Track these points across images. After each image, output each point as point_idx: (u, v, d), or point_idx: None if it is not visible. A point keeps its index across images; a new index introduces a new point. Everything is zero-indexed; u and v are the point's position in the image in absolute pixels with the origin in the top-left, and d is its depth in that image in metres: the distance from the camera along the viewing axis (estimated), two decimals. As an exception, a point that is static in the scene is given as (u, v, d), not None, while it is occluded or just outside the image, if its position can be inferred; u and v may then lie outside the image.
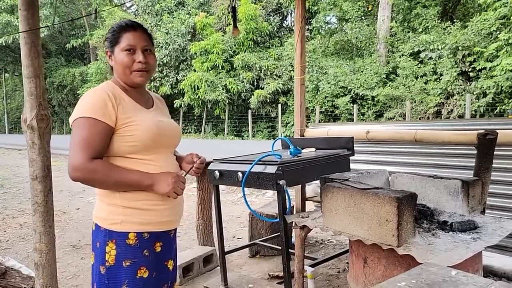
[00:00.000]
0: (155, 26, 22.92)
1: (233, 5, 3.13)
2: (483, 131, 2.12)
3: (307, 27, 21.67)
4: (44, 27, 12.01)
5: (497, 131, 2.11)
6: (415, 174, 2.29)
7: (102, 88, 1.59)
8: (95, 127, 1.49)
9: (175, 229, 1.80)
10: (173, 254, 1.79)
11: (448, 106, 13.59)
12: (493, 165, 2.32)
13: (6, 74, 38.65)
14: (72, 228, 5.28)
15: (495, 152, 2.25)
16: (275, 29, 21.26)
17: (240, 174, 2.50)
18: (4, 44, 27.83)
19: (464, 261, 1.61)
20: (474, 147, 2.20)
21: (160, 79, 21.86)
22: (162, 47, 21.21)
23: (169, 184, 1.54)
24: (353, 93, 15.86)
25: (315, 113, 16.40)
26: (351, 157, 2.97)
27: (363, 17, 18.27)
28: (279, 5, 20.94)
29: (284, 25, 22.19)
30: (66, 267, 3.89)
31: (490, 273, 2.79)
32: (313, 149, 3.06)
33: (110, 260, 1.57)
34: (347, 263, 3.17)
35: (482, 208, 2.07)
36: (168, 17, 22.15)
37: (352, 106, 15.59)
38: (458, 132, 2.53)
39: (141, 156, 1.59)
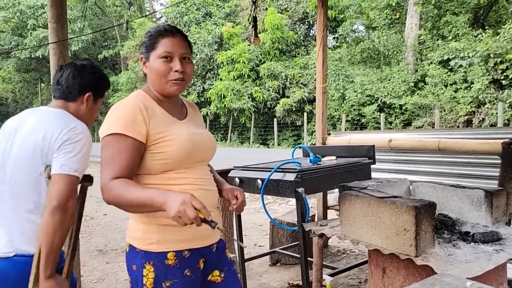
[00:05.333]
0: (183, 36, 23.43)
1: (254, 15, 3.18)
2: (507, 140, 2.06)
3: (333, 35, 21.61)
4: (72, 38, 12.49)
5: (523, 139, 2.04)
6: (437, 183, 2.24)
7: (133, 100, 1.47)
8: (123, 143, 1.37)
9: (219, 241, 1.63)
10: (220, 266, 1.62)
11: (480, 114, 13.19)
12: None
13: (42, 84, 40.29)
14: (99, 233, 5.42)
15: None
16: (301, 38, 21.29)
17: (259, 181, 2.52)
18: (40, 56, 29.06)
19: (487, 274, 1.56)
20: (498, 156, 2.13)
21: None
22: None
23: (176, 206, 1.21)
24: (380, 101, 15.64)
25: (341, 121, 16.25)
26: (373, 166, 2.93)
27: (390, 25, 18.04)
28: (305, 14, 20.98)
29: (310, 34, 22.18)
30: (92, 271, 3.99)
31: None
32: (334, 157, 3.04)
33: (149, 284, 1.43)
34: (369, 274, 3.12)
35: (508, 219, 2.00)
36: (195, 28, 22.60)
37: (379, 115, 15.37)
38: (482, 141, 2.46)
39: (174, 172, 1.46)
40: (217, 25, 22.36)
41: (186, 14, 23.69)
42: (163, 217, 1.40)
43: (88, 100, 1.86)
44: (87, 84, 1.86)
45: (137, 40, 28.39)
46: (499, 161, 2.17)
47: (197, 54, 21.50)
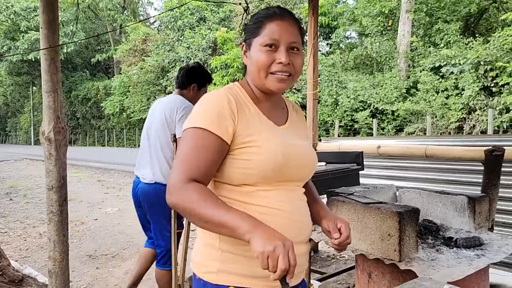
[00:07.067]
0: (177, 41, 23.50)
1: (246, 22, 3.21)
2: (490, 147, 2.10)
3: (327, 41, 21.77)
4: (62, 44, 12.47)
5: (505, 147, 2.09)
6: (424, 189, 2.28)
7: (224, 91, 1.22)
8: (204, 140, 1.13)
9: (300, 282, 1.32)
10: None
11: (470, 121, 13.34)
12: (506, 182, 2.30)
13: (34, 88, 40.09)
14: (89, 238, 5.39)
15: (508, 169, 2.23)
16: (295, 43, 21.45)
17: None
18: (33, 59, 28.97)
19: (468, 278, 1.60)
20: (482, 163, 2.18)
21: (172, 93, 22.41)
22: (183, 61, 21.70)
23: (270, 244, 0.97)
24: (373, 107, 15.76)
25: (334, 127, 16.35)
26: (362, 172, 2.98)
27: (383, 32, 18.24)
28: (299, 20, 21.13)
29: (304, 40, 22.34)
30: (81, 276, 3.98)
31: (502, 292, 2.72)
32: (323, 164, 3.08)
33: None
34: (358, 279, 3.14)
35: (491, 225, 2.04)
36: (189, 33, 22.68)
37: (372, 121, 15.49)
38: (467, 148, 2.51)
39: (256, 188, 1.18)
40: (211, 30, 22.45)
41: (180, 19, 23.78)
42: (230, 242, 1.14)
43: (194, 88, 2.85)
44: (192, 77, 2.84)
45: (130, 44, 28.44)
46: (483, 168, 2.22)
47: (190, 59, 21.56)
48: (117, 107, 28.73)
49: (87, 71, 36.26)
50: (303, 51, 1.31)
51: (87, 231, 5.76)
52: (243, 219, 1.03)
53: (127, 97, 27.80)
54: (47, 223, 2.49)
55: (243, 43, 1.28)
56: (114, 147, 31.31)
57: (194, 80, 2.85)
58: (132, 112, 26.96)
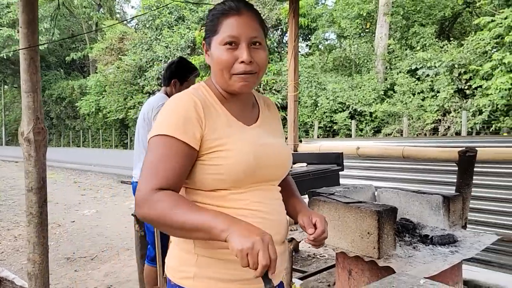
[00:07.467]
0: (155, 40, 23.26)
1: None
2: (464, 148, 2.19)
3: (306, 43, 21.98)
4: (44, 44, 12.20)
5: (477, 148, 2.18)
6: (401, 189, 2.36)
7: (190, 94, 1.15)
8: (170, 148, 1.08)
9: (278, 285, 1.27)
10: None
11: (445, 122, 13.71)
12: (479, 182, 2.39)
13: (5, 86, 38.95)
14: (67, 240, 5.31)
15: (480, 170, 2.32)
16: (275, 44, 21.55)
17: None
18: (5, 57, 28.16)
19: (443, 273, 1.67)
20: (455, 164, 2.27)
21: (159, 92, 22.14)
22: (161, 60, 21.50)
23: (248, 241, 0.93)
24: (351, 109, 16.00)
25: (314, 128, 16.52)
26: (342, 172, 3.04)
27: (361, 34, 18.54)
28: (278, 21, 21.26)
29: (283, 41, 22.47)
30: (60, 279, 3.92)
31: (475, 287, 2.83)
32: (305, 164, 3.13)
33: None
34: (338, 277, 3.21)
35: (464, 223, 2.13)
36: (168, 32, 22.48)
37: (351, 122, 15.72)
38: (442, 149, 2.61)
39: (229, 192, 1.14)
40: (190, 30, 22.31)
41: (158, 18, 23.54)
42: (205, 246, 1.12)
43: (175, 84, 2.81)
44: (173, 73, 2.81)
45: (107, 43, 27.97)
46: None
47: (169, 58, 21.39)
48: (93, 107, 28.21)
49: (62, 70, 35.42)
50: (267, 44, 1.26)
51: (65, 233, 5.67)
52: (216, 218, 0.98)
53: (103, 97, 27.33)
54: (26, 225, 2.46)
55: (204, 42, 1.22)
56: (90, 148, 30.72)
57: (174, 76, 2.82)
58: (109, 112, 26.50)
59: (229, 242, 0.94)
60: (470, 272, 2.73)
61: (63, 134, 34.90)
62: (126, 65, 24.58)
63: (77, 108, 30.13)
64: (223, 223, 0.97)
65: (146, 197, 1.03)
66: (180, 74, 2.84)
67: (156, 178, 1.05)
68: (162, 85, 2.95)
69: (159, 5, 23.21)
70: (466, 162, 2.16)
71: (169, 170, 1.06)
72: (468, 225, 2.24)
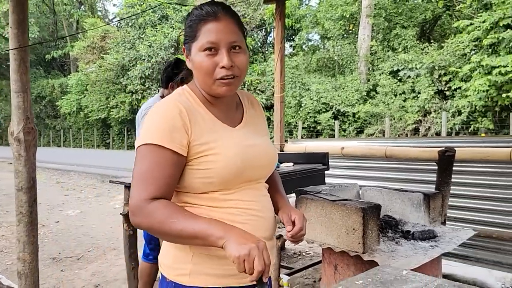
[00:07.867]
0: (138, 39, 23.07)
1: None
2: (443, 148, 2.31)
3: (290, 43, 22.13)
4: (33, 44, 12.03)
5: (456, 148, 2.30)
6: (384, 187, 2.46)
7: (174, 101, 1.17)
8: (159, 157, 1.10)
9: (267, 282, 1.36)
10: None
11: (426, 123, 14.01)
12: (458, 180, 2.51)
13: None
14: (52, 241, 5.27)
15: (459, 168, 2.44)
16: (259, 44, 21.64)
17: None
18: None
19: (424, 266, 1.77)
20: (435, 163, 2.38)
21: (142, 91, 21.99)
22: (144, 60, 21.36)
23: (244, 248, 0.99)
24: (335, 109, 16.20)
25: (297, 128, 16.66)
26: (327, 172, 3.13)
27: (344, 36, 18.78)
28: (262, 21, 21.35)
29: (267, 41, 22.60)
30: (46, 279, 3.90)
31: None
32: (291, 164, 3.21)
33: None
34: (323, 273, 3.30)
35: (443, 219, 2.24)
36: (151, 31, 22.32)
37: (334, 122, 15.92)
38: (423, 149, 2.72)
39: (219, 193, 1.18)
40: (173, 29, 22.20)
41: (141, 16, 23.34)
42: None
43: (173, 88, 2.67)
44: (169, 76, 2.75)
45: (88, 41, 27.57)
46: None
47: (152, 57, 21.26)
48: (74, 106, 27.79)
49: (41, 68, 34.71)
50: (247, 45, 1.27)
51: (49, 233, 5.62)
52: (213, 225, 1.03)
53: (84, 96, 26.94)
54: (16, 224, 2.47)
55: (183, 47, 1.24)
56: (71, 147, 30.26)
57: (171, 79, 2.74)
58: (90, 112, 26.15)
59: (226, 249, 1.00)
60: (449, 266, 2.85)
61: (43, 134, 34.24)
62: (109, 64, 24.26)
63: (58, 107, 29.63)
64: (220, 230, 1.02)
65: (141, 207, 1.07)
66: (176, 76, 2.76)
67: (148, 188, 1.08)
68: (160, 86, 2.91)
69: (141, 3, 23.03)
70: (446, 161, 2.27)
71: (159, 179, 1.09)
72: (447, 221, 2.35)
